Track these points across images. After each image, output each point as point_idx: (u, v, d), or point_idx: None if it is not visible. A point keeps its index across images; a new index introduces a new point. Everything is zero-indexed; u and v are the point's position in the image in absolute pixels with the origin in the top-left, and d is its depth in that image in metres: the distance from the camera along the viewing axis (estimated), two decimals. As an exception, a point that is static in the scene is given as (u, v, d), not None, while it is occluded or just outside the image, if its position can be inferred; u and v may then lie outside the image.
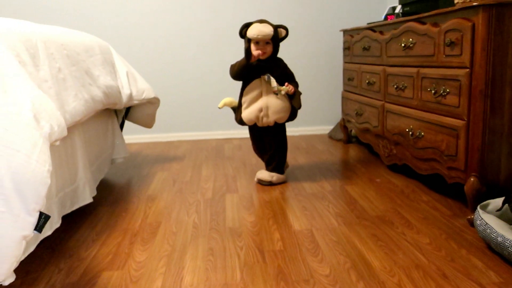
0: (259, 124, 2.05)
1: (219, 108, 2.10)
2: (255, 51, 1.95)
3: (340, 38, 3.33)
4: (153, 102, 2.44)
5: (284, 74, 2.03)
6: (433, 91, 1.75)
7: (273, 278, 1.24)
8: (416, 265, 1.29)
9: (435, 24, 1.75)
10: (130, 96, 2.22)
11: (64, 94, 1.48)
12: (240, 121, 2.08)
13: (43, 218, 0.99)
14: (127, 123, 3.28)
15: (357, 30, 2.71)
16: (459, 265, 1.27)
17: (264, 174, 2.11)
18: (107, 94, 1.92)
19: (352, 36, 2.80)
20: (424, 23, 1.84)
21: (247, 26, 1.97)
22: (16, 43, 1.27)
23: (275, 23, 3.26)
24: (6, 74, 1.07)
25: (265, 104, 1.99)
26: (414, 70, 1.91)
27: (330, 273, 1.26)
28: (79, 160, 1.70)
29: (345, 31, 2.95)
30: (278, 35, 1.98)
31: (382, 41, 2.28)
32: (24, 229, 0.95)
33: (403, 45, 1.98)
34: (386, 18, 2.56)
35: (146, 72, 3.28)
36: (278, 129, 2.10)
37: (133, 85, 2.26)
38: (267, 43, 1.95)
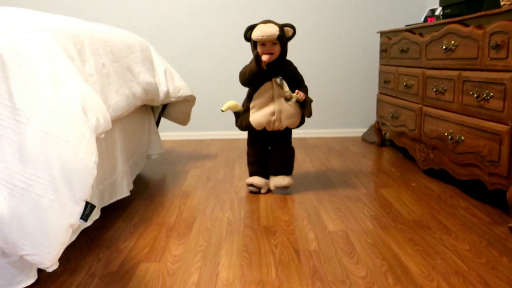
0: (269, 129, 1.92)
1: (222, 111, 1.98)
2: (264, 56, 1.84)
3: (376, 40, 3.29)
4: (189, 100, 2.47)
5: (294, 78, 1.94)
6: (475, 95, 1.71)
7: (309, 277, 1.23)
8: (456, 271, 1.26)
9: (480, 26, 1.71)
10: (167, 93, 2.25)
11: (107, 89, 1.52)
12: (246, 126, 1.95)
13: (89, 208, 1.02)
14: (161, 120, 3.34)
15: (395, 32, 2.67)
16: (501, 273, 1.24)
17: (287, 180, 1.97)
18: (146, 91, 1.96)
19: (389, 38, 2.76)
20: (467, 25, 1.80)
21: (251, 28, 1.88)
22: (65, 39, 1.32)
23: (312, 24, 3.26)
24: (57, 68, 1.11)
25: (278, 108, 1.88)
26: (455, 73, 1.87)
27: (366, 275, 1.25)
28: (118, 154, 1.74)
29: (382, 33, 2.91)
30: (285, 35, 1.87)
31: (421, 43, 2.24)
32: (71, 217, 0.99)
33: (444, 47, 1.94)
34: (425, 20, 2.52)
35: (181, 70, 3.33)
36: (287, 134, 2.00)
37: (170, 83, 2.30)
38: (274, 43, 1.85)
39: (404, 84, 2.45)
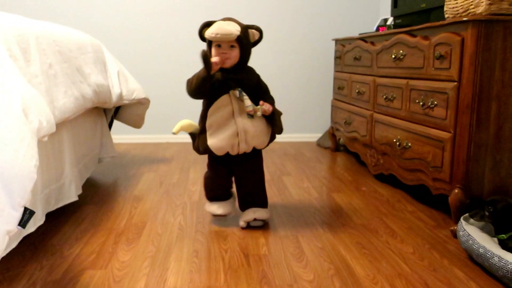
0: (233, 153, 1.56)
1: (173, 133, 1.59)
2: (215, 58, 1.48)
3: (332, 47, 3.36)
4: (143, 103, 2.43)
5: (257, 88, 1.60)
6: (421, 103, 1.78)
7: (257, 282, 1.24)
8: (399, 274, 1.30)
9: (426, 37, 1.78)
10: (120, 96, 2.21)
11: (54, 90, 1.48)
12: (205, 151, 1.57)
13: (27, 214, 0.98)
14: (116, 123, 3.26)
15: (349, 40, 2.74)
16: (441, 275, 1.29)
17: (261, 213, 1.65)
18: (97, 93, 1.91)
19: (343, 46, 2.83)
20: (414, 36, 1.87)
21: (208, 25, 1.53)
22: (7, 37, 1.27)
23: (268, 30, 3.29)
24: (-3, 67, 1.07)
25: (242, 127, 1.52)
26: (404, 81, 1.94)
27: (313, 279, 1.26)
28: (66, 157, 1.69)
29: (337, 41, 2.98)
30: (247, 37, 1.53)
31: (373, 51, 2.30)
32: (8, 223, 0.95)
33: (393, 56, 2.01)
34: (378, 29, 2.60)
35: (138, 73, 3.27)
36: (255, 155, 1.65)
37: (123, 85, 2.25)
38: (232, 46, 1.50)
39: (357, 91, 2.51)
